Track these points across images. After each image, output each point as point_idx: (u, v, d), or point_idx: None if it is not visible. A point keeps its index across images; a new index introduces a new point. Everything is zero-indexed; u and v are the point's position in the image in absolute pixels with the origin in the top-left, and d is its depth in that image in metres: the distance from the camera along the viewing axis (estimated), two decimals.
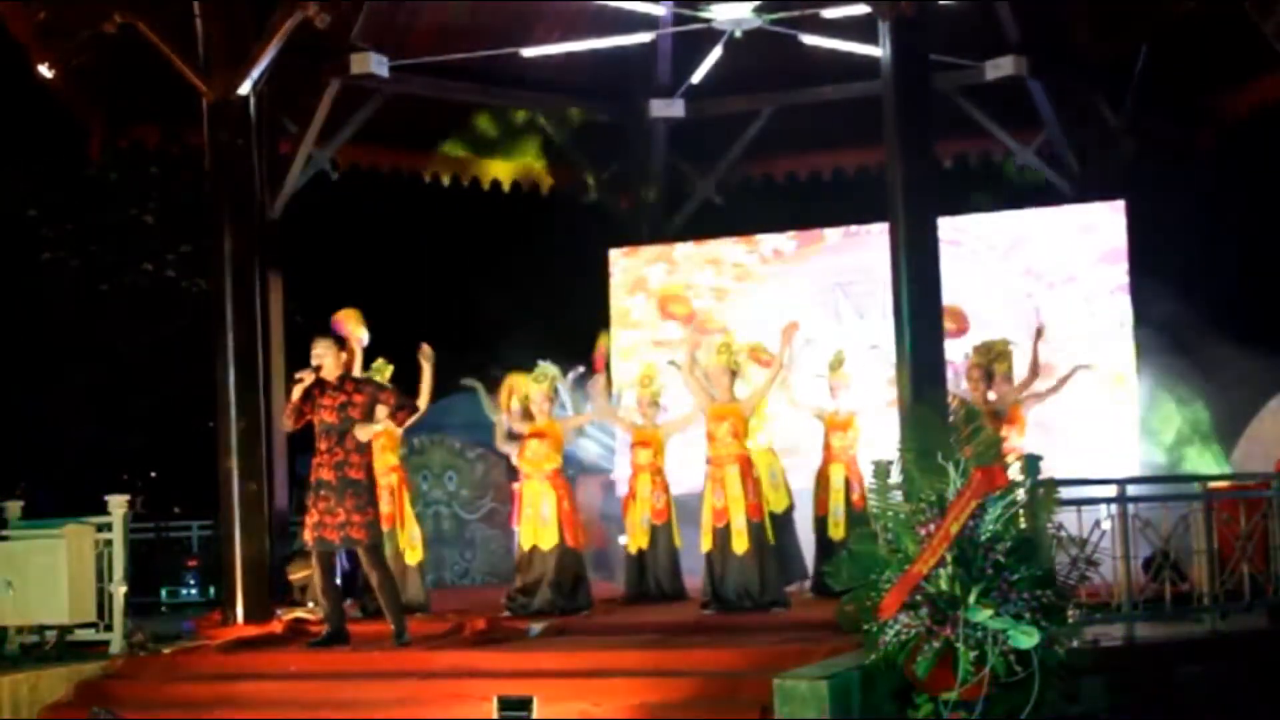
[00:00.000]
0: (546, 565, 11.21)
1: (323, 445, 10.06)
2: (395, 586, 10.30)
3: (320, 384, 10.08)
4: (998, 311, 14.84)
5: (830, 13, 14.00)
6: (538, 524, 11.30)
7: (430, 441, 14.74)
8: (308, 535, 10.20)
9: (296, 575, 11.73)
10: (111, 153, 14.41)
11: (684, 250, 16.07)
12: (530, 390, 11.58)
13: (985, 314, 14.73)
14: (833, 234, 15.77)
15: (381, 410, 10.19)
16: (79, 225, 16.21)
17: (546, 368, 11.65)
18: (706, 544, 11.01)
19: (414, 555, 11.63)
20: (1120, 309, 14.60)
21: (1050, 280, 14.94)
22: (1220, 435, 13.22)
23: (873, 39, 10.83)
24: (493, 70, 15.05)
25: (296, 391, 10.06)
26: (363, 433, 10.00)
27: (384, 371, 11.71)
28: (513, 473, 12.35)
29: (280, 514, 13.14)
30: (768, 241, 15.86)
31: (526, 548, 11.37)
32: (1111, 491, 9.18)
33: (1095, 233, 14.81)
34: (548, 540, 11.25)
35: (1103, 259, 14.78)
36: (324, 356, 10.10)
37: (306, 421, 10.13)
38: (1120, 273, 14.67)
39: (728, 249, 15.93)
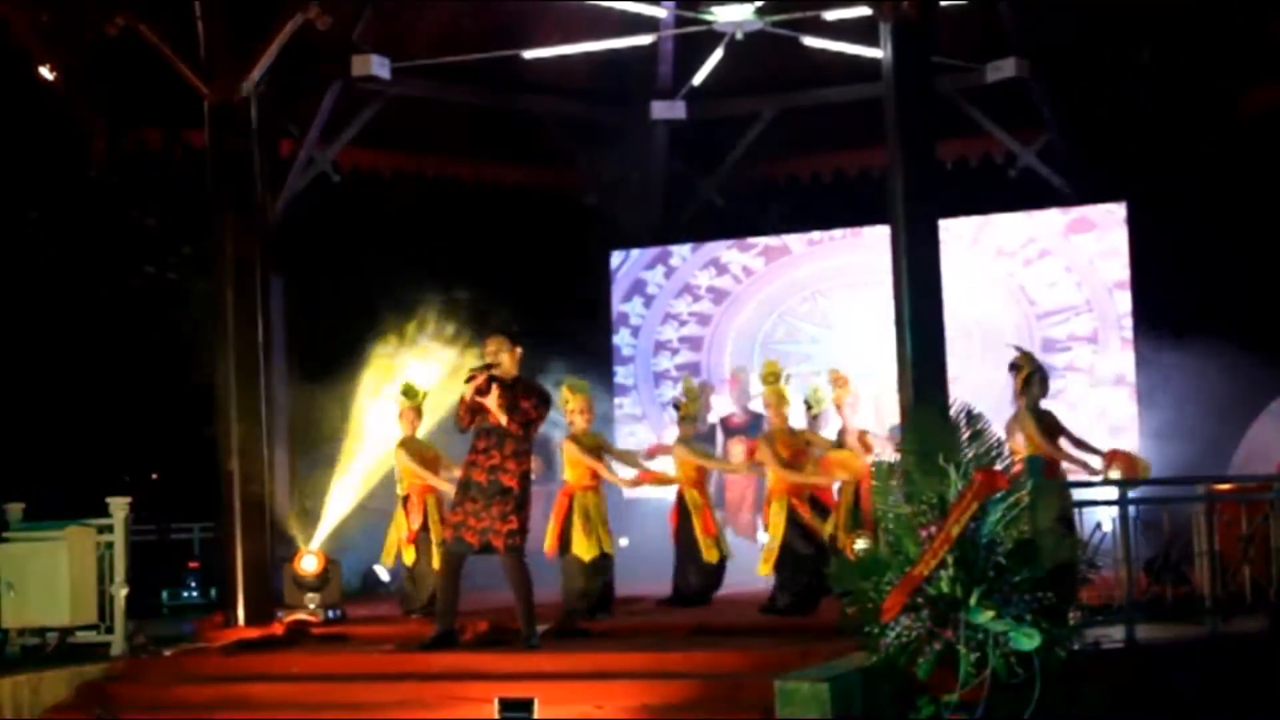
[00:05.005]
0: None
1: (480, 445, 9.70)
2: (531, 590, 9.93)
3: (493, 382, 9.68)
4: (997, 310, 14.98)
5: (831, 15, 14.02)
6: None
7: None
8: (446, 534, 9.90)
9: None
10: (113, 155, 14.41)
11: (656, 281, 16.17)
12: None
13: (985, 315, 14.86)
14: (796, 243, 15.97)
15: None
16: (81, 227, 16.20)
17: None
18: (765, 570, 11.02)
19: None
20: (1120, 310, 14.67)
21: (1051, 279, 15.05)
22: (1221, 437, 13.24)
23: (874, 41, 10.83)
24: (494, 72, 15.08)
25: (468, 390, 9.64)
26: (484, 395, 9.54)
27: None
28: None
29: (281, 516, 13.14)
30: (736, 261, 16.01)
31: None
32: (1113, 493, 9.18)
33: (1096, 234, 14.89)
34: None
35: (1104, 261, 14.84)
36: (498, 354, 9.71)
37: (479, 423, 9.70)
38: (1121, 275, 14.73)
39: (698, 275, 16.19)
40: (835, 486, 11.42)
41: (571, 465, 11.17)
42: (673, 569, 11.84)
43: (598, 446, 11.35)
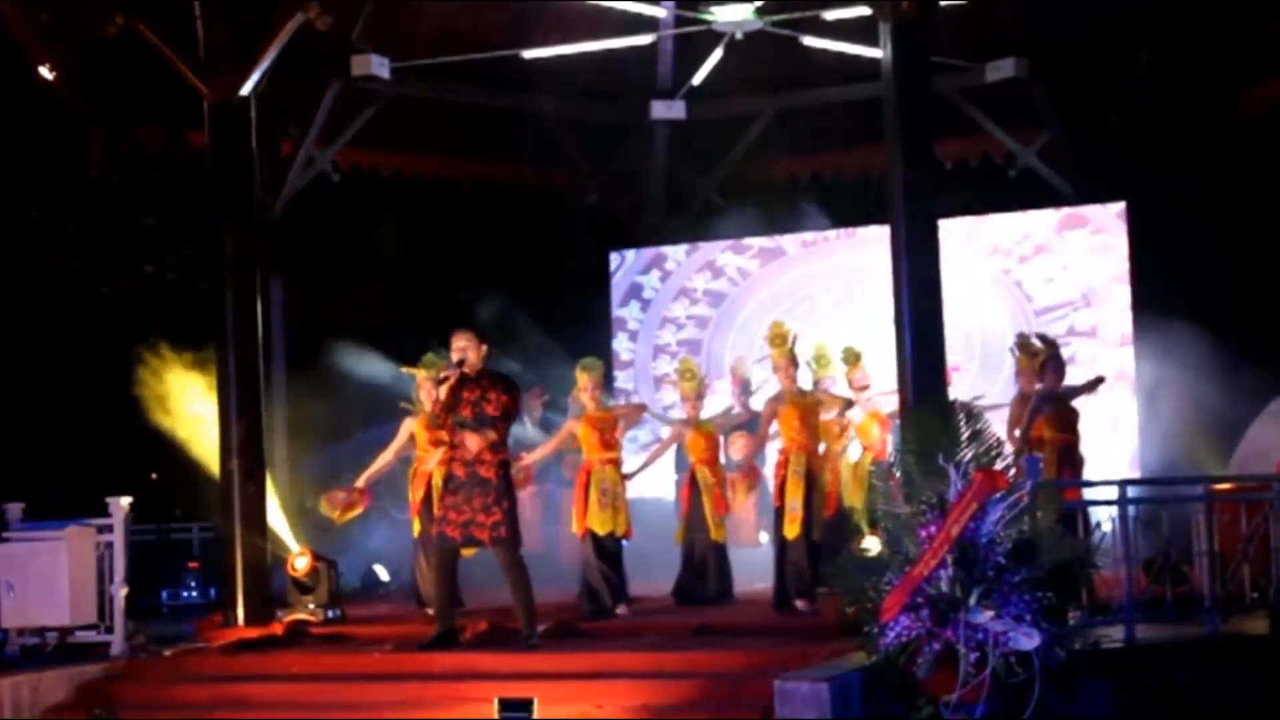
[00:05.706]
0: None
1: (456, 439, 9.84)
2: (528, 585, 9.93)
3: (463, 378, 9.80)
4: (993, 307, 15.02)
5: (831, 15, 14.02)
6: None
7: None
8: (433, 530, 10.03)
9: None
10: (113, 155, 14.41)
11: (652, 285, 16.17)
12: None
13: (981, 313, 14.88)
14: (791, 244, 15.97)
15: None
16: (80, 227, 16.23)
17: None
18: (792, 531, 10.78)
19: None
20: (1119, 307, 14.69)
21: (1047, 275, 15.08)
22: (1220, 437, 13.26)
23: (873, 41, 10.83)
24: (494, 72, 15.08)
25: (443, 391, 9.79)
26: (472, 441, 9.71)
27: None
28: None
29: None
30: (732, 264, 16.09)
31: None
32: (1112, 493, 9.18)
33: (1095, 234, 14.91)
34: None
35: (1103, 261, 14.85)
36: (466, 349, 9.80)
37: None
38: (1121, 274, 14.75)
39: (694, 278, 16.25)
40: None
41: (586, 441, 11.26)
42: (680, 566, 11.80)
43: (612, 421, 11.35)
